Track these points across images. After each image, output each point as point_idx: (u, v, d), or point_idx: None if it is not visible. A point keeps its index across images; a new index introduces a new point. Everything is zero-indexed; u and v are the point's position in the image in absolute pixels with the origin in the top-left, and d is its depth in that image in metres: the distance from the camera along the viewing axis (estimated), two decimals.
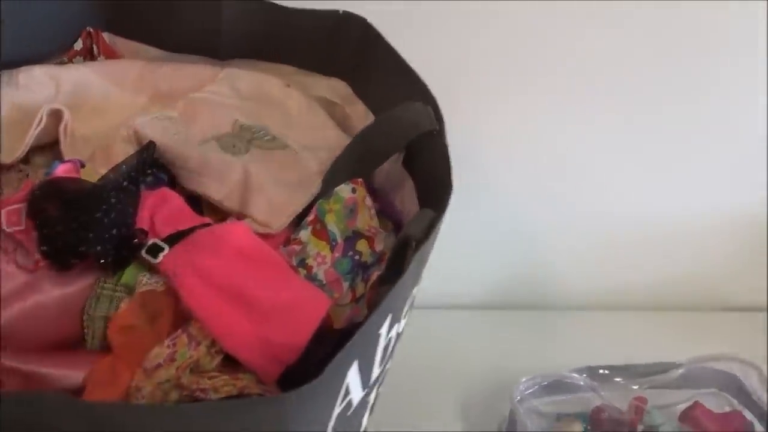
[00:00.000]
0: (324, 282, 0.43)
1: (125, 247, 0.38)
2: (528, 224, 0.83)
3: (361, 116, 0.56)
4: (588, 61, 0.71)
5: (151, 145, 0.44)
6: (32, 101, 0.48)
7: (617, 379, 0.69)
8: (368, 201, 0.47)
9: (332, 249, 0.44)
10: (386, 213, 0.53)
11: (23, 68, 0.50)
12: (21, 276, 0.37)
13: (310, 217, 0.45)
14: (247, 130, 0.51)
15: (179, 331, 0.38)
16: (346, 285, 0.44)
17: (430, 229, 0.39)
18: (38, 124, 0.45)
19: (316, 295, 0.40)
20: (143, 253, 0.39)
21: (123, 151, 0.45)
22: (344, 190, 0.46)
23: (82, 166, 0.42)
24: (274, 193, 0.46)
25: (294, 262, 0.43)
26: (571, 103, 0.73)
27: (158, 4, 0.54)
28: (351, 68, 0.56)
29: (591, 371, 0.70)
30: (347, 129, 0.57)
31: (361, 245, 0.45)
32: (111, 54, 0.55)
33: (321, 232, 0.44)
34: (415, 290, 0.43)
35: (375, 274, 0.44)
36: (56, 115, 0.47)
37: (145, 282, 0.39)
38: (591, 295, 0.87)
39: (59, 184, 0.39)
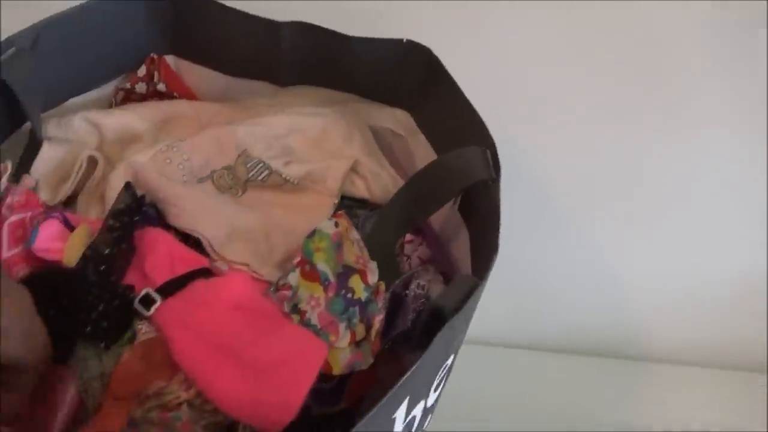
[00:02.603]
0: (318, 326, 0.40)
1: (117, 317, 0.37)
2: (616, 268, 0.76)
3: (423, 150, 0.53)
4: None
5: (129, 188, 0.43)
6: (79, 149, 0.49)
7: None
8: (354, 234, 0.44)
9: (325, 289, 0.41)
10: (438, 261, 0.50)
11: (66, 117, 0.50)
12: None
13: (297, 259, 0.42)
14: (246, 165, 0.50)
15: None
16: (342, 326, 0.41)
17: (464, 300, 0.35)
18: (78, 170, 0.47)
19: (312, 344, 0.38)
20: (136, 304, 0.39)
21: (119, 189, 0.44)
22: (327, 226, 0.44)
23: (67, 223, 0.41)
24: (263, 242, 0.45)
25: (286, 309, 0.40)
26: (673, 145, 0.66)
27: (221, 29, 0.53)
28: (413, 99, 0.53)
29: None
30: (410, 163, 0.55)
31: (354, 281, 0.42)
32: (172, 81, 0.55)
33: (311, 273, 0.42)
34: (449, 361, 0.39)
35: (378, 319, 0.41)
36: (95, 162, 0.48)
37: (145, 331, 0.38)
38: (679, 349, 0.80)
39: (38, 277, 0.38)
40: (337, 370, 0.39)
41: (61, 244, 0.39)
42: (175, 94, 0.55)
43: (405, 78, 0.52)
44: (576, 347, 0.82)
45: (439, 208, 0.46)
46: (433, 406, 0.41)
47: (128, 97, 0.55)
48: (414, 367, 0.31)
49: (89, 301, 0.37)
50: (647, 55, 0.62)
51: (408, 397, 0.33)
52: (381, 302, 0.41)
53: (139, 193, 0.43)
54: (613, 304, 0.80)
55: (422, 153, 0.53)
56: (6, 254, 0.39)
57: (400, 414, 0.33)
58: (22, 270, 0.40)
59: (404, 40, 0.51)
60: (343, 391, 0.41)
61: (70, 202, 0.49)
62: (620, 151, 0.67)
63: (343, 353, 0.40)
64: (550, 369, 0.79)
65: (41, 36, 0.46)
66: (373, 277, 0.42)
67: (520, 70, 0.63)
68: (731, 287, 0.75)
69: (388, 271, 0.45)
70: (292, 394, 0.36)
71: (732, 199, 0.69)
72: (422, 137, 0.53)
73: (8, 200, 0.41)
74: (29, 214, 0.41)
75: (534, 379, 0.76)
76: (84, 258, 0.39)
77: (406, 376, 0.31)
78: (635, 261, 0.75)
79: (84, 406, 0.38)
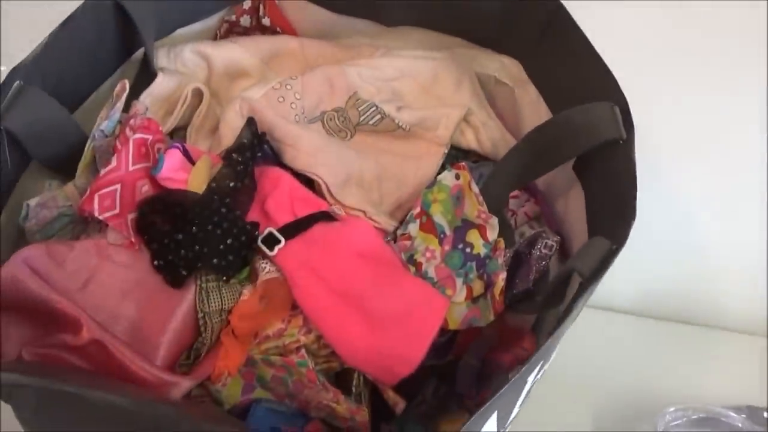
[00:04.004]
0: (435, 279, 0.40)
1: (242, 252, 0.37)
2: (701, 233, 0.74)
3: (532, 102, 0.51)
4: None
5: (252, 124, 0.42)
6: (187, 81, 0.48)
7: None
8: (474, 187, 0.43)
9: (441, 242, 0.40)
10: (546, 218, 0.48)
11: (177, 48, 0.49)
12: (122, 255, 0.37)
13: (416, 210, 0.42)
14: (358, 108, 0.48)
15: (299, 311, 0.38)
16: (459, 281, 0.40)
17: (602, 267, 0.33)
18: (183, 102, 0.46)
19: (434, 298, 0.38)
20: (259, 242, 0.38)
21: (234, 125, 0.44)
22: (447, 177, 0.43)
23: (186, 155, 0.40)
24: (376, 190, 0.44)
25: (403, 258, 0.40)
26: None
27: None
28: (528, 48, 0.50)
29: (753, 413, 0.62)
30: (514, 114, 0.53)
31: (472, 235, 0.41)
32: (276, 16, 0.53)
33: (427, 224, 0.41)
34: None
35: (500, 277, 0.40)
36: (200, 95, 0.47)
37: (267, 270, 0.37)
38: (758, 319, 0.76)
39: (167, 198, 0.38)
40: (453, 325, 0.38)
41: (185, 175, 0.38)
42: (278, 29, 0.54)
43: (522, 24, 0.49)
44: (650, 310, 0.80)
45: (558, 165, 0.44)
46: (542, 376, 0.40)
47: (231, 30, 0.54)
48: (556, 333, 0.30)
49: (218, 234, 0.36)
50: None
51: (542, 361, 0.32)
52: (502, 259, 0.40)
53: None
54: (689, 269, 0.78)
55: (529, 104, 0.51)
56: (131, 167, 0.39)
57: (531, 377, 0.32)
58: (146, 185, 0.40)
59: None
60: (453, 344, 0.41)
61: (172, 134, 0.49)
62: (710, 111, 0.64)
63: (459, 308, 0.39)
64: (622, 331, 0.77)
65: None
66: (492, 234, 0.41)
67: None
68: None
69: (500, 226, 0.44)
70: (415, 348, 0.35)
71: None
72: (531, 88, 0.51)
73: (130, 122, 0.41)
74: (151, 136, 0.41)
75: (605, 340, 0.75)
76: (209, 189, 0.38)
77: (549, 341, 0.30)
78: (715, 228, 0.73)
79: (201, 337, 0.38)
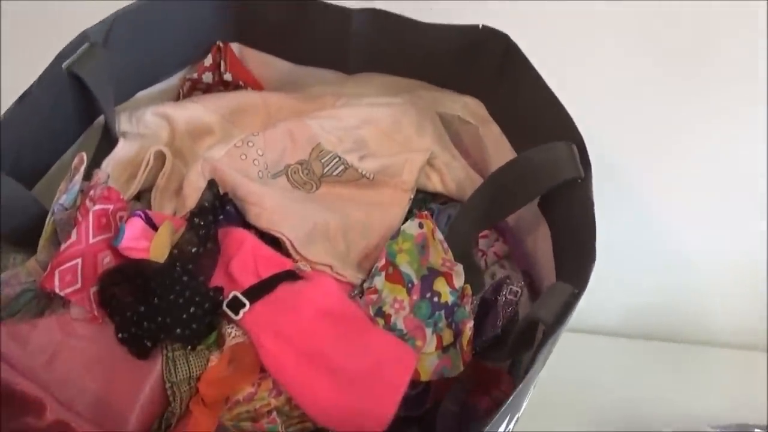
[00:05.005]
0: (405, 331, 0.40)
1: (207, 319, 0.37)
2: (682, 251, 0.74)
3: (496, 140, 0.51)
4: None
5: (213, 186, 0.43)
6: (150, 143, 0.48)
7: None
8: (438, 234, 0.43)
9: (409, 292, 0.40)
10: (516, 257, 0.48)
11: (138, 111, 0.50)
12: (87, 329, 0.37)
13: (381, 262, 0.42)
14: (321, 160, 0.49)
15: (269, 373, 0.37)
16: (429, 331, 0.40)
17: (564, 313, 0.33)
18: (146, 166, 0.46)
19: (402, 352, 0.38)
20: (224, 307, 0.38)
21: (197, 185, 0.44)
22: (411, 226, 0.43)
23: (149, 221, 0.40)
24: (342, 241, 0.44)
25: (371, 312, 0.40)
26: (741, 126, 0.63)
27: (288, 16, 0.51)
28: (486, 87, 0.51)
29: (741, 429, 0.62)
30: (480, 151, 0.53)
31: (439, 284, 0.41)
32: (238, 70, 0.54)
33: (394, 275, 0.41)
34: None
35: (468, 326, 0.40)
36: (163, 157, 0.47)
37: (234, 335, 0.37)
38: (745, 333, 0.77)
39: (127, 269, 0.38)
40: (424, 377, 0.38)
41: (147, 243, 0.38)
42: (240, 83, 0.54)
43: (479, 65, 0.50)
44: (636, 331, 0.80)
45: (521, 206, 0.45)
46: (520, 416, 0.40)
47: (194, 87, 0.54)
48: (521, 386, 0.30)
49: (180, 303, 0.36)
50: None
51: (509, 414, 0.32)
52: (469, 307, 0.40)
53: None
54: (674, 287, 0.78)
55: (494, 142, 0.52)
56: (92, 240, 0.39)
57: (501, 430, 0.32)
58: (107, 257, 0.40)
59: (480, 26, 0.48)
60: (429, 394, 0.40)
61: (140, 197, 0.49)
62: (683, 130, 0.65)
63: (430, 359, 0.39)
64: (609, 353, 0.77)
65: (113, 30, 0.45)
66: (459, 281, 0.41)
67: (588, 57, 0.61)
68: None
69: (467, 268, 0.44)
70: (385, 404, 0.35)
71: None
72: (494, 126, 0.52)
73: (90, 193, 0.41)
74: (111, 206, 0.41)
75: (593, 364, 0.75)
76: (171, 257, 0.38)
77: (514, 395, 0.30)
78: (698, 243, 0.73)
79: (170, 407, 0.38)
